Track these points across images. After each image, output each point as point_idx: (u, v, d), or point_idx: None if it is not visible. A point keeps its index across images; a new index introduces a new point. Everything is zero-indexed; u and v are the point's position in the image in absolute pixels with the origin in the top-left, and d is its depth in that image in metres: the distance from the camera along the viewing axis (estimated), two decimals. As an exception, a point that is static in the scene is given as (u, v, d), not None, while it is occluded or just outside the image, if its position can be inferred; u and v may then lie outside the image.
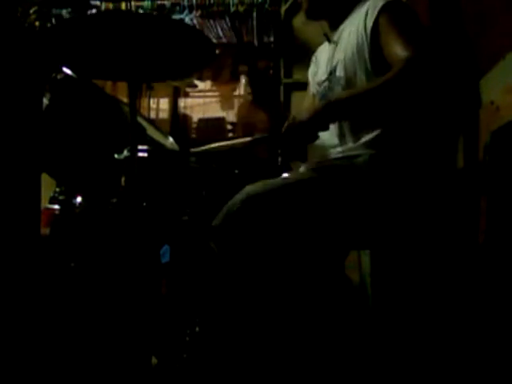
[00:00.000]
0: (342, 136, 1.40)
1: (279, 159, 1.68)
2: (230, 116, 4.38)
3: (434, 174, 1.41)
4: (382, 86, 1.27)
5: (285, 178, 1.40)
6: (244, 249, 1.27)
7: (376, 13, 1.33)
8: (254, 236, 1.27)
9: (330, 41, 1.53)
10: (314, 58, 1.67)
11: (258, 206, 1.27)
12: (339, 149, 1.40)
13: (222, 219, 1.28)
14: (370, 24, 1.34)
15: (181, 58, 1.36)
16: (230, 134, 4.19)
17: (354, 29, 1.39)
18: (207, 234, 1.33)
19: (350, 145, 1.38)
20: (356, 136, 1.37)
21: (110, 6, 3.40)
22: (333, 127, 1.41)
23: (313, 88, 1.61)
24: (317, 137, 1.32)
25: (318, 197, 1.30)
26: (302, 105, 1.73)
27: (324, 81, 1.50)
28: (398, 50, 1.26)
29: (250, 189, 1.29)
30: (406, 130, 1.39)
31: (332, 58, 1.48)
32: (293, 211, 1.29)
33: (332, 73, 1.46)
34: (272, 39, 3.49)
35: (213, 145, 1.57)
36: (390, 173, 1.33)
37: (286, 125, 1.34)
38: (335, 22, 1.50)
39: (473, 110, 1.45)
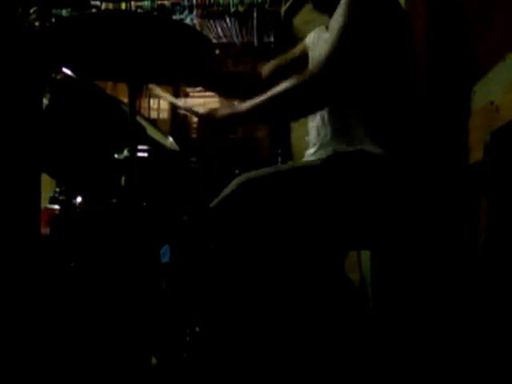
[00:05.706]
0: (335, 134, 1.39)
1: (279, 159, 1.68)
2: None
3: (432, 174, 1.41)
4: (277, 97, 1.27)
5: (282, 165, 1.38)
6: (239, 235, 1.26)
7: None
8: (249, 222, 1.25)
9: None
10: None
11: (254, 189, 1.27)
12: (331, 148, 1.39)
13: (217, 202, 1.29)
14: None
15: (180, 59, 1.37)
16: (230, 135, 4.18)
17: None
18: (204, 226, 1.33)
19: (343, 146, 1.36)
20: (351, 135, 1.36)
21: (110, 6, 3.41)
22: (320, 126, 1.41)
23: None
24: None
25: (315, 189, 1.29)
26: None
27: None
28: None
29: (247, 174, 1.30)
30: (397, 128, 1.37)
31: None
32: (288, 199, 1.27)
33: None
34: (272, 39, 3.49)
35: None
36: (388, 172, 1.32)
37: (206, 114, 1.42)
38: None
39: (463, 116, 1.47)
